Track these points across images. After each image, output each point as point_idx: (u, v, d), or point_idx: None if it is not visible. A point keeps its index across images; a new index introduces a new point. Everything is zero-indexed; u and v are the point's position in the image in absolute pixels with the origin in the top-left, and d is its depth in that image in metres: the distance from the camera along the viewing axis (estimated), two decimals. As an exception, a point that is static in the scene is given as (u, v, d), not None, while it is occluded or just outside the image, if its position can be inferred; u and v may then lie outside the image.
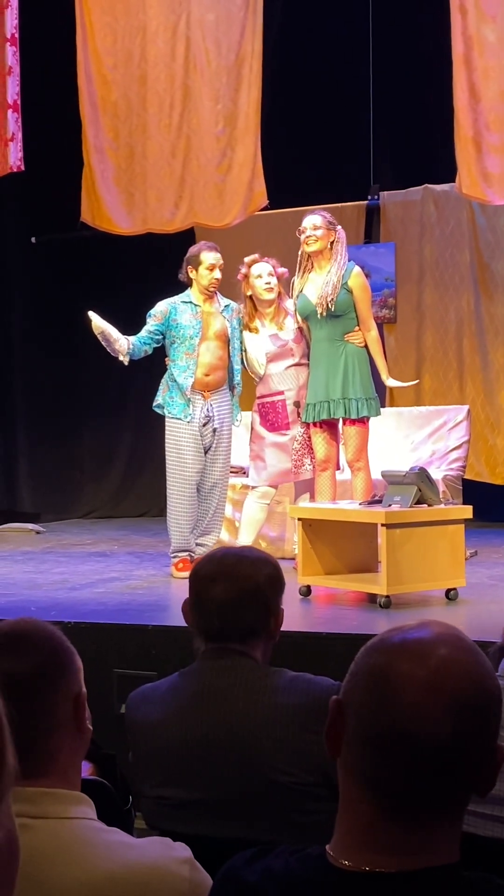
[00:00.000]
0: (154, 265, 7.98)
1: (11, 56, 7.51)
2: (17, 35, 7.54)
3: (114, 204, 7.47)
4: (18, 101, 7.51)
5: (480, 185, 6.62)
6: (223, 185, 7.28)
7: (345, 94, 8.51)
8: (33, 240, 9.13)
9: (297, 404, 5.92)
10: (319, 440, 5.81)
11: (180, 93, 7.36)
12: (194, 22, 7.29)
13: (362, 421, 5.73)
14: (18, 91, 7.52)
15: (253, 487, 5.97)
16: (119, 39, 7.43)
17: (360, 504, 5.12)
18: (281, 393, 5.93)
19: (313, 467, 5.89)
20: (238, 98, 7.25)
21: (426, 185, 8.47)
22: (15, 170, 7.50)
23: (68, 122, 7.48)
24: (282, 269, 5.93)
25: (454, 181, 6.75)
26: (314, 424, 5.81)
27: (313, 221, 5.74)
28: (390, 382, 6.00)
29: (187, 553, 5.74)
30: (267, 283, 5.86)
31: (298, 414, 5.91)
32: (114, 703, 3.88)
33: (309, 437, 5.89)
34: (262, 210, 7.36)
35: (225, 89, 7.27)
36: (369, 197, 8.68)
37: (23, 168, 7.51)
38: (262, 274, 5.88)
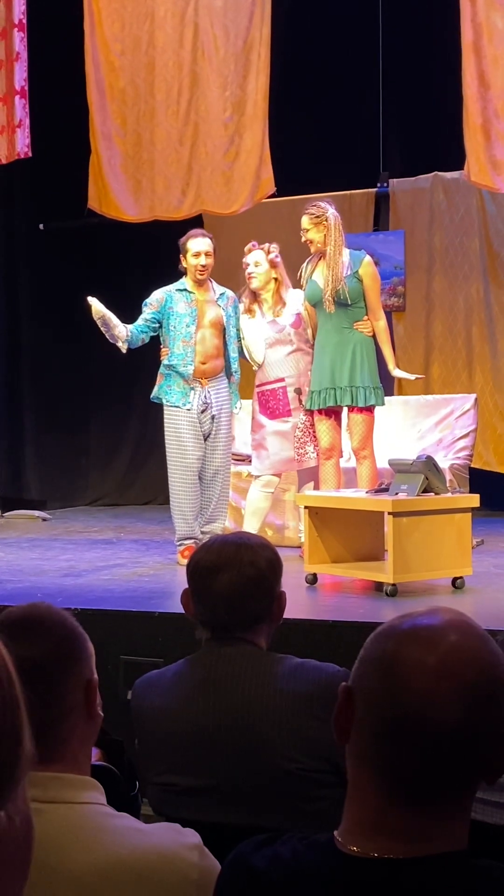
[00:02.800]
0: (161, 252, 7.97)
1: (19, 42, 7.50)
2: (24, 21, 7.52)
3: (121, 191, 7.46)
4: (26, 88, 7.50)
5: (489, 172, 6.60)
6: (231, 172, 7.26)
7: (354, 80, 8.47)
8: (41, 226, 9.13)
9: (298, 391, 5.90)
10: (324, 428, 5.79)
11: (188, 79, 7.33)
12: (202, 8, 7.27)
13: (369, 409, 5.71)
14: (26, 77, 7.51)
15: (256, 476, 5.96)
16: (127, 25, 7.41)
17: (366, 492, 5.11)
18: (281, 380, 5.91)
19: (317, 455, 5.87)
20: (246, 85, 7.23)
21: (436, 172, 8.44)
22: (22, 156, 7.49)
23: (76, 108, 7.46)
24: (273, 256, 5.85)
25: (463, 169, 6.72)
26: (318, 412, 5.79)
27: (301, 224, 5.73)
28: (397, 373, 5.98)
29: (193, 540, 5.74)
30: (250, 273, 5.87)
31: (300, 401, 5.89)
32: (120, 689, 3.89)
33: (311, 425, 5.87)
34: (269, 197, 7.34)
35: (233, 76, 7.25)
36: (378, 184, 8.66)
37: (30, 154, 7.50)
38: (248, 262, 5.88)
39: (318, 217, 5.66)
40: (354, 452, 5.82)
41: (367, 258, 5.77)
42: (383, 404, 5.83)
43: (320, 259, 5.76)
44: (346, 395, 5.67)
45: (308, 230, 5.69)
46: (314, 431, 5.86)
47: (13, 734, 0.78)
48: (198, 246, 5.75)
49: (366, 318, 5.74)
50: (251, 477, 6.11)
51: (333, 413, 5.80)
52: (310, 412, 5.85)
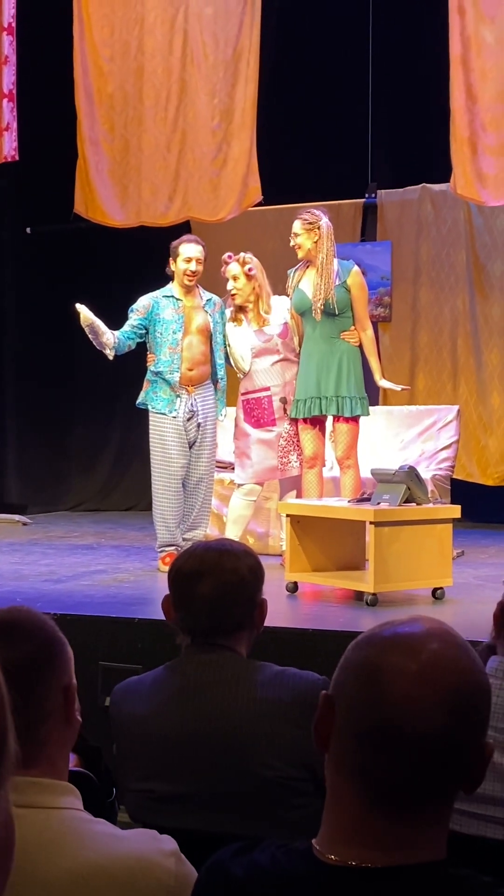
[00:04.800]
0: (148, 258, 7.97)
1: (8, 45, 7.49)
2: (13, 24, 7.51)
3: (108, 196, 7.45)
4: (14, 91, 7.49)
5: (475, 185, 6.62)
6: (218, 179, 7.27)
7: (343, 90, 8.50)
8: (28, 230, 9.11)
9: (283, 400, 5.89)
10: (308, 437, 5.79)
11: (177, 86, 7.34)
12: (192, 15, 7.28)
13: (354, 419, 5.72)
14: (14, 81, 7.50)
15: (239, 485, 5.95)
16: (116, 31, 7.41)
17: (348, 501, 5.12)
18: (267, 389, 5.90)
19: (300, 464, 5.87)
20: (235, 93, 7.24)
21: (424, 184, 8.47)
22: (9, 159, 7.47)
23: (64, 112, 7.46)
24: (248, 268, 5.80)
25: (450, 181, 6.74)
26: (303, 421, 5.79)
27: (293, 228, 5.73)
28: (383, 383, 5.99)
29: (174, 547, 5.73)
30: (230, 289, 5.86)
31: (285, 410, 5.89)
32: (98, 695, 3.87)
33: (295, 434, 5.86)
34: (256, 205, 7.34)
35: (222, 84, 7.26)
36: (366, 195, 8.68)
37: (17, 158, 7.49)
38: (229, 278, 5.88)
39: (311, 224, 5.66)
40: (339, 462, 5.82)
41: (356, 268, 5.78)
42: (368, 414, 5.84)
43: (307, 267, 5.76)
44: (331, 405, 5.67)
45: (299, 235, 5.68)
46: (298, 440, 5.85)
47: (0, 733, 0.77)
48: (189, 251, 5.74)
49: (353, 328, 5.75)
50: (234, 484, 6.11)
51: (318, 422, 5.80)
52: (294, 421, 5.84)
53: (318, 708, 1.23)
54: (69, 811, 1.41)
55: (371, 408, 6.00)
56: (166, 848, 1.41)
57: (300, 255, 5.73)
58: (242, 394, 5.97)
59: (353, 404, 5.67)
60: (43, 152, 7.81)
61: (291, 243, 5.75)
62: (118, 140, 7.44)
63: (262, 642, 2.35)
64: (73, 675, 1.55)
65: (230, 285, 5.87)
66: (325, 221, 5.68)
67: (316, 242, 5.64)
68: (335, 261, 5.69)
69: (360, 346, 5.79)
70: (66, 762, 1.53)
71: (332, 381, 5.67)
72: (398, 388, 6.18)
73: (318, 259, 5.65)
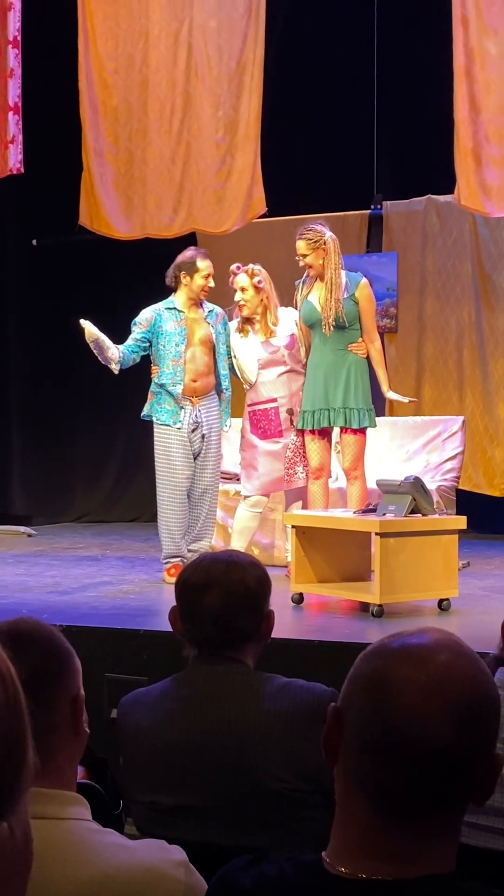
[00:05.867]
0: (153, 270, 7.98)
1: (13, 58, 7.51)
2: (19, 38, 7.54)
3: (112, 208, 7.47)
4: (19, 104, 7.51)
5: (479, 196, 6.63)
6: (222, 191, 7.28)
7: (348, 102, 8.52)
8: (34, 242, 9.12)
9: (290, 412, 5.89)
10: (314, 448, 5.79)
11: (181, 99, 7.36)
12: (197, 28, 7.30)
13: (361, 430, 5.72)
14: (19, 93, 7.52)
15: (245, 496, 5.95)
16: (121, 44, 7.44)
17: (354, 512, 5.11)
18: (274, 400, 5.90)
19: (306, 475, 5.87)
20: (239, 105, 7.26)
21: (429, 195, 8.48)
22: (15, 172, 7.49)
23: (69, 125, 7.48)
24: (257, 280, 5.80)
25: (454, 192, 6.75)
26: (309, 432, 5.79)
27: (298, 249, 5.69)
28: (391, 395, 5.98)
29: (179, 559, 5.73)
30: (239, 300, 5.86)
31: (291, 422, 5.89)
32: (104, 707, 3.86)
33: (302, 445, 5.86)
34: (261, 217, 7.36)
35: (226, 96, 7.28)
36: (372, 206, 8.70)
37: (22, 170, 7.51)
38: (237, 289, 5.87)
39: (315, 242, 5.64)
40: (345, 473, 5.82)
41: (364, 280, 5.78)
42: (375, 426, 5.85)
43: (316, 279, 5.75)
44: (339, 417, 5.67)
45: (306, 255, 5.66)
46: (304, 452, 5.85)
47: (20, 742, 0.77)
48: (209, 267, 5.75)
49: (361, 339, 5.74)
50: (239, 495, 6.10)
51: (325, 433, 5.80)
52: (301, 432, 5.84)
53: (327, 720, 1.22)
54: (78, 822, 1.40)
55: (377, 418, 6.00)
56: (176, 858, 1.40)
57: (312, 273, 5.72)
58: (249, 405, 5.97)
59: (361, 416, 5.68)
60: (48, 165, 7.83)
61: (300, 263, 5.74)
62: (123, 152, 7.47)
63: (268, 654, 2.35)
64: (81, 686, 1.55)
65: (238, 296, 5.86)
66: (329, 235, 5.67)
67: (324, 259, 5.64)
68: (343, 273, 5.69)
69: (368, 358, 5.79)
70: (75, 773, 1.52)
71: (339, 393, 5.67)
72: (405, 399, 6.17)
73: (326, 273, 5.64)
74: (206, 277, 5.74)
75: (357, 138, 8.44)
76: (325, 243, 5.63)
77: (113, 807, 2.14)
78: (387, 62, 8.30)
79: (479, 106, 6.61)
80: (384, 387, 5.87)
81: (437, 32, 7.03)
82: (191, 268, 5.75)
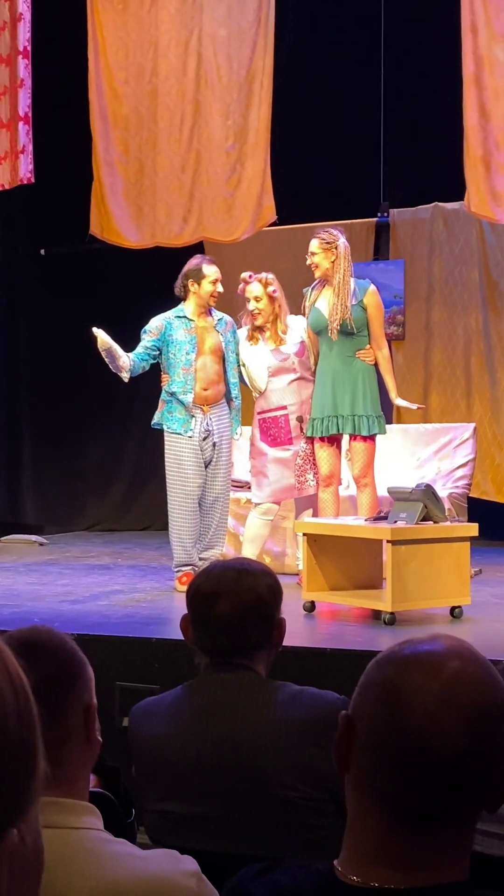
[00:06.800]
0: (161, 279, 8.01)
1: (23, 69, 7.55)
2: (29, 48, 7.58)
3: (123, 217, 7.49)
4: (30, 114, 7.54)
5: (489, 203, 6.63)
6: (232, 199, 7.30)
7: (355, 110, 8.53)
8: (42, 252, 9.15)
9: (299, 419, 5.89)
10: (324, 455, 5.78)
11: (191, 107, 7.38)
12: (206, 37, 7.32)
13: (371, 438, 5.72)
14: (30, 104, 7.56)
15: (256, 504, 5.94)
16: (131, 54, 7.47)
17: (365, 520, 5.10)
18: (284, 408, 5.90)
19: (316, 483, 5.86)
20: (248, 114, 7.28)
21: (436, 203, 8.49)
22: (25, 182, 7.52)
23: (79, 135, 7.50)
24: (271, 290, 5.81)
25: (463, 200, 6.75)
26: (319, 439, 5.78)
27: (310, 247, 5.71)
28: (399, 402, 5.96)
29: (190, 567, 5.73)
30: (253, 310, 5.85)
31: (301, 429, 5.89)
32: (116, 716, 3.86)
33: (311, 452, 5.86)
34: (270, 225, 7.37)
35: (235, 105, 7.30)
36: (379, 214, 8.70)
37: (33, 180, 7.54)
38: (249, 298, 5.87)
39: (328, 243, 5.65)
40: (355, 480, 5.81)
41: (372, 287, 5.78)
42: (385, 433, 5.84)
43: (324, 286, 5.75)
44: (347, 424, 5.67)
45: (316, 254, 5.67)
46: (314, 459, 5.85)
47: (31, 750, 0.77)
48: (215, 273, 5.76)
49: (368, 346, 5.74)
50: (250, 503, 6.10)
51: (334, 441, 5.79)
52: (310, 439, 5.84)
53: (338, 728, 1.22)
54: (90, 831, 1.40)
55: (387, 426, 5.99)
56: (187, 868, 1.40)
57: (317, 274, 5.72)
58: (258, 413, 5.97)
59: (370, 423, 5.67)
60: (58, 174, 7.86)
61: (308, 262, 5.75)
62: (133, 161, 7.49)
63: (280, 662, 2.34)
64: (94, 694, 1.55)
65: (252, 305, 5.86)
66: (342, 241, 5.68)
67: (333, 262, 5.64)
68: (352, 280, 5.70)
69: (376, 365, 5.79)
70: (87, 782, 1.52)
71: (348, 400, 5.67)
72: (413, 406, 6.16)
73: (335, 279, 5.64)
74: (214, 283, 5.75)
75: (364, 146, 8.45)
76: (336, 247, 5.64)
77: (125, 816, 2.14)
78: (395, 70, 8.31)
79: (489, 113, 6.62)
80: (392, 393, 5.87)
81: (444, 40, 7.05)
82: (197, 275, 5.76)
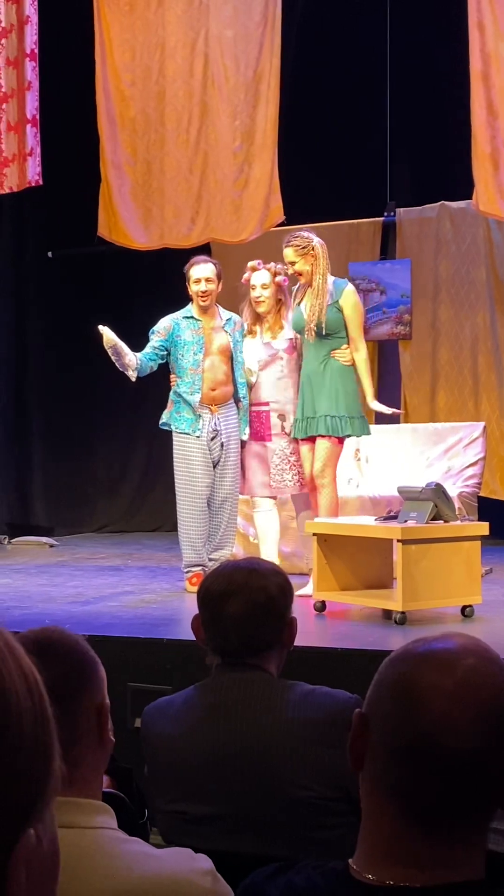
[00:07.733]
0: (169, 280, 8.01)
1: (31, 71, 7.55)
2: (36, 51, 7.58)
3: (131, 219, 7.49)
4: (37, 116, 7.55)
5: (498, 202, 6.61)
6: (240, 200, 7.29)
7: (362, 110, 8.53)
8: (50, 254, 9.17)
9: (281, 417, 5.85)
10: (306, 457, 5.72)
11: (198, 109, 7.38)
12: (213, 38, 7.32)
13: (340, 439, 5.61)
14: (37, 106, 7.56)
15: (255, 506, 5.94)
16: (137, 55, 7.46)
17: (375, 520, 5.09)
18: (267, 403, 5.88)
19: (298, 484, 5.81)
20: (255, 114, 7.27)
21: (442, 202, 8.48)
22: (33, 184, 7.53)
23: (86, 137, 7.51)
24: (280, 278, 5.81)
25: (471, 198, 6.74)
26: (301, 441, 5.73)
27: (286, 257, 5.60)
28: (374, 405, 5.78)
29: (200, 567, 5.73)
30: (258, 297, 5.83)
31: (282, 427, 5.84)
32: (127, 717, 3.86)
33: (293, 453, 5.82)
34: (278, 226, 7.36)
35: (242, 105, 7.29)
36: (385, 213, 8.70)
37: (41, 182, 7.54)
38: (255, 285, 5.84)
39: (304, 248, 5.56)
40: (314, 478, 5.64)
41: (350, 287, 5.68)
42: (364, 434, 5.76)
43: (308, 287, 5.67)
44: (320, 425, 5.59)
45: (295, 262, 5.57)
46: (295, 460, 5.81)
47: (47, 750, 0.77)
48: (198, 272, 5.76)
49: (345, 346, 5.63)
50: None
51: (314, 442, 5.71)
52: (295, 440, 5.80)
53: (353, 726, 1.22)
54: (104, 830, 1.40)
55: (396, 426, 5.96)
56: (202, 867, 1.40)
57: (302, 281, 5.64)
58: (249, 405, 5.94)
59: (343, 424, 5.55)
60: (66, 177, 7.87)
61: (290, 271, 5.69)
62: (140, 163, 7.49)
63: (291, 662, 2.34)
64: (107, 695, 1.55)
65: (257, 293, 5.83)
66: (316, 241, 5.59)
67: (313, 265, 5.55)
68: (330, 280, 5.62)
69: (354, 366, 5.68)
70: (100, 783, 1.52)
71: (322, 401, 5.58)
72: (389, 411, 5.92)
73: (314, 280, 5.57)
74: (197, 282, 5.75)
75: (370, 146, 8.45)
76: (313, 248, 5.56)
77: (138, 816, 2.14)
78: (401, 68, 8.30)
79: (497, 110, 6.60)
80: (369, 397, 5.72)
81: (451, 37, 7.03)
82: (187, 278, 5.81)
